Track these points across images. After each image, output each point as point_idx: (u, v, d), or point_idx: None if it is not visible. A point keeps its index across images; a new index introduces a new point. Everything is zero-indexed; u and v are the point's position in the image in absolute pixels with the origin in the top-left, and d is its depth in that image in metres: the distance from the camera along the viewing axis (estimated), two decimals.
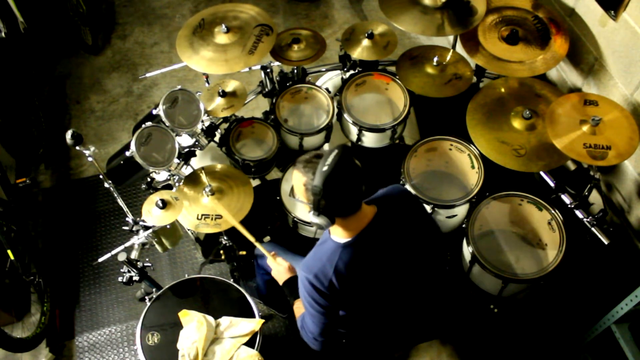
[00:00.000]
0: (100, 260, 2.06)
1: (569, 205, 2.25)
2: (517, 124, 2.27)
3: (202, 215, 2.18)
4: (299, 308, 1.84)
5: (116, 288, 2.88)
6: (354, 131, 2.64)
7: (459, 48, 2.62)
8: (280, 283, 1.95)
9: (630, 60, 2.13)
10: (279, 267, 1.96)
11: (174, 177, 2.32)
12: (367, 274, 1.67)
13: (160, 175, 2.43)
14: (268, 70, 2.70)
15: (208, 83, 2.62)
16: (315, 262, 1.64)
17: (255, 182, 2.66)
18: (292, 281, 1.92)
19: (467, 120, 2.32)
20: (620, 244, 2.33)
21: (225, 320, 2.09)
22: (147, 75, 2.79)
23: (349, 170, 1.51)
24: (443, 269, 2.06)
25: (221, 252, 2.61)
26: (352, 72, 2.78)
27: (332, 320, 1.72)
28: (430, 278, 1.93)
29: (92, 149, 1.98)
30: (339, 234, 1.63)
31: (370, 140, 2.66)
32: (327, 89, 2.75)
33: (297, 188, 1.60)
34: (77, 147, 1.93)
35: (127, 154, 2.08)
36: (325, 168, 1.47)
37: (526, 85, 2.40)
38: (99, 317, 2.80)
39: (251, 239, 2.02)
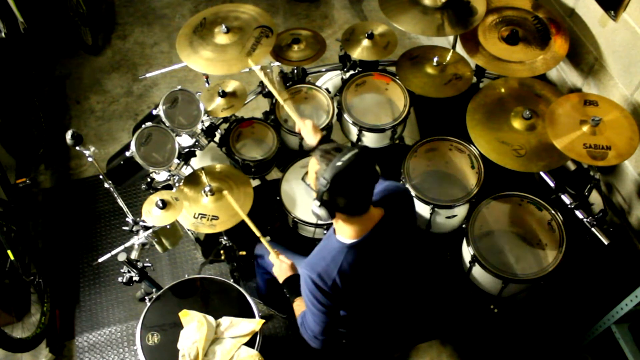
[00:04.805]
0: (100, 260, 2.06)
1: (569, 206, 2.25)
2: (517, 124, 2.27)
3: (199, 214, 2.18)
4: (299, 306, 1.83)
5: (116, 288, 2.88)
6: (354, 131, 2.64)
7: (459, 48, 2.62)
8: (281, 281, 1.94)
9: (630, 60, 2.13)
10: (281, 265, 1.95)
11: (174, 177, 2.32)
12: (370, 275, 1.67)
13: (160, 176, 2.43)
14: (268, 70, 2.70)
15: (208, 83, 2.62)
16: (319, 261, 1.63)
17: (255, 182, 2.66)
18: (293, 279, 1.91)
19: (467, 121, 2.32)
20: (620, 244, 2.33)
21: (225, 321, 2.09)
22: (147, 75, 2.78)
23: (361, 173, 1.50)
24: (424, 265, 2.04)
25: (221, 252, 2.61)
26: (352, 72, 2.78)
27: (333, 320, 1.72)
28: (421, 276, 1.94)
29: (92, 149, 1.98)
30: (344, 234, 1.63)
31: (370, 140, 2.66)
32: (327, 89, 2.75)
33: (311, 174, 1.60)
34: (77, 147, 1.93)
35: (127, 154, 2.08)
36: (339, 163, 1.47)
37: (526, 85, 2.40)
38: (99, 317, 2.80)
39: (257, 233, 2.02)
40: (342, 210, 1.56)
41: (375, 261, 1.65)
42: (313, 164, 1.57)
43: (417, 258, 1.90)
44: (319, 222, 1.60)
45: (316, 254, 1.69)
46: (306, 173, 1.69)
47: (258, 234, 2.01)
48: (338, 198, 1.51)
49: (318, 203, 1.53)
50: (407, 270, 1.80)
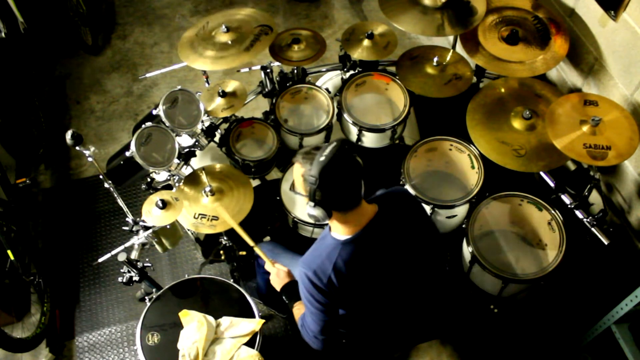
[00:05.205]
0: (100, 260, 2.06)
1: (569, 206, 2.25)
2: (517, 124, 2.27)
3: (199, 214, 2.18)
4: (299, 310, 1.84)
5: (116, 288, 2.88)
6: (354, 131, 2.64)
7: (459, 48, 2.62)
8: (278, 289, 1.95)
9: (630, 60, 2.13)
10: (278, 272, 1.96)
11: (174, 177, 2.32)
12: (366, 272, 1.67)
13: (160, 176, 2.43)
14: (268, 70, 2.70)
15: (208, 83, 2.62)
16: (314, 259, 1.64)
17: (255, 182, 2.66)
18: (290, 286, 1.92)
19: (467, 121, 2.32)
20: (620, 244, 2.33)
21: (225, 320, 2.09)
22: (147, 75, 2.79)
23: (346, 163, 1.51)
24: (442, 270, 2.06)
25: (221, 252, 2.61)
26: (352, 72, 2.78)
27: (332, 318, 1.72)
28: (429, 279, 1.94)
29: (92, 149, 1.98)
30: (338, 231, 1.63)
31: (370, 140, 2.66)
32: (327, 89, 2.75)
33: (297, 180, 1.61)
34: (77, 147, 1.93)
35: (127, 154, 2.08)
36: (322, 158, 1.48)
37: (526, 85, 2.40)
38: (99, 317, 2.80)
39: (251, 242, 2.02)
40: (336, 206, 1.56)
41: (370, 258, 1.65)
42: (297, 168, 1.58)
43: (431, 262, 1.90)
44: (317, 222, 1.63)
45: (312, 252, 1.70)
46: (293, 183, 1.70)
47: (252, 243, 2.01)
48: (330, 193, 1.51)
49: (312, 204, 1.54)
50: (409, 270, 1.80)
